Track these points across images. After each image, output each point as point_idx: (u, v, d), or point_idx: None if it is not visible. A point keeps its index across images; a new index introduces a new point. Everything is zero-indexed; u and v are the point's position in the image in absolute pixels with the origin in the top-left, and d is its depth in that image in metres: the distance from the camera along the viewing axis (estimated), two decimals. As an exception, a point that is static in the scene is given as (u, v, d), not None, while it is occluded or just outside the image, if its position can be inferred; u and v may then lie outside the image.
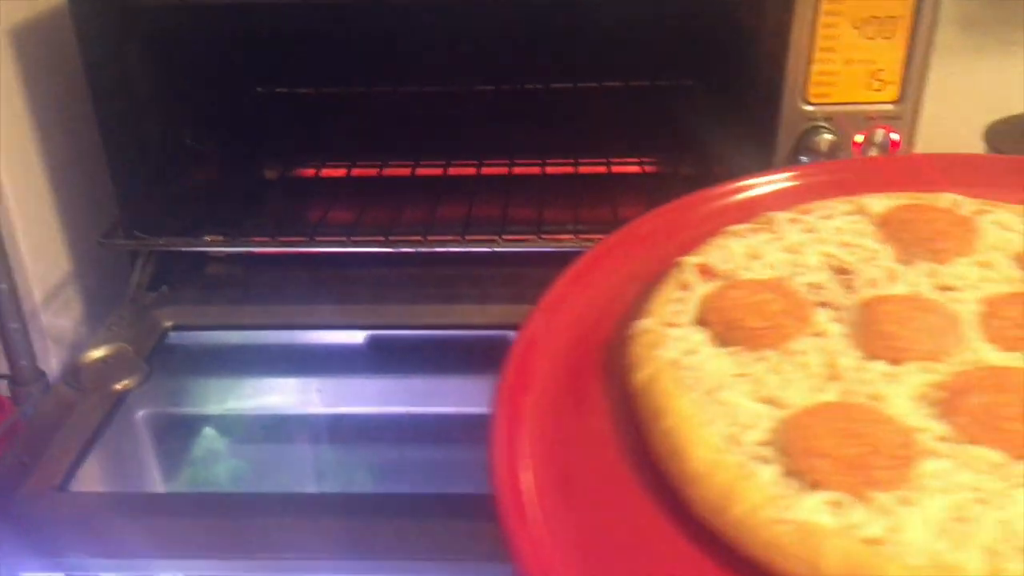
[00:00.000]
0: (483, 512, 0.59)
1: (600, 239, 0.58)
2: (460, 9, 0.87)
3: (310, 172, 1.10)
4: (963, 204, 0.53)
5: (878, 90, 0.78)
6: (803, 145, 0.79)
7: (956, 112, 1.08)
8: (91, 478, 0.69)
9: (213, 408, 0.89)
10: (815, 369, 0.43)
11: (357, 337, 0.87)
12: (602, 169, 1.04)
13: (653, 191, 0.96)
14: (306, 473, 0.99)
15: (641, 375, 0.45)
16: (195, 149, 0.99)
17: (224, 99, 1.05)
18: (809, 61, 0.77)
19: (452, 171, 1.07)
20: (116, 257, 0.91)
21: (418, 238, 0.82)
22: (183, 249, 0.85)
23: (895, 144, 0.79)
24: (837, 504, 0.36)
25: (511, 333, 0.85)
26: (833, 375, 0.43)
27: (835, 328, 0.45)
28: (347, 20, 1.06)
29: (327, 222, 0.94)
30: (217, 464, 0.99)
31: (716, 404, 0.42)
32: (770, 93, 0.79)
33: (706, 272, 0.50)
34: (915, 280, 0.48)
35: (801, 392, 0.42)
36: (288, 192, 1.04)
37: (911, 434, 0.39)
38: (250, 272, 0.92)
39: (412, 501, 0.62)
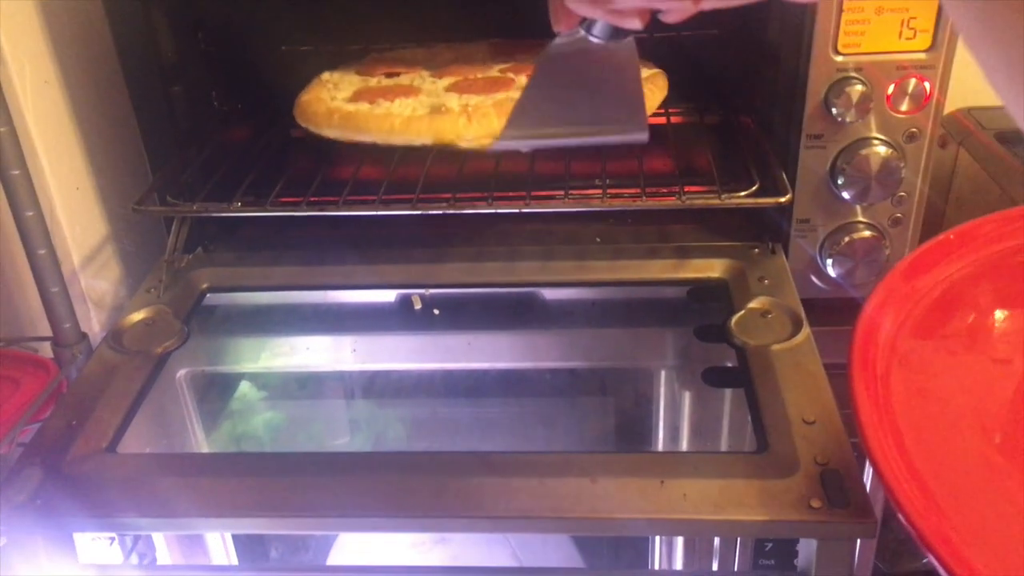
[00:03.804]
0: (516, 469, 0.61)
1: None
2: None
3: (337, 129, 1.10)
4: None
5: (910, 39, 0.76)
6: (833, 96, 0.78)
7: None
8: (137, 437, 0.71)
9: (250, 366, 0.92)
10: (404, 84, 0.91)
11: (388, 296, 0.88)
12: (628, 121, 1.04)
13: (679, 141, 0.95)
14: (340, 426, 1.02)
15: (305, 96, 0.90)
16: (223, 111, 1.00)
17: (249, 59, 1.05)
18: (839, 10, 0.76)
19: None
20: (151, 219, 0.93)
21: (448, 195, 0.82)
22: (216, 215, 0.86)
23: (927, 94, 0.78)
24: (363, 105, 0.85)
25: (540, 291, 0.87)
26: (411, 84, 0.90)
27: (429, 81, 0.91)
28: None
29: (357, 178, 0.94)
30: (254, 416, 1.01)
31: (334, 89, 0.90)
32: (799, 44, 0.78)
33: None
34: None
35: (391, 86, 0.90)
36: (317, 150, 1.05)
37: (420, 89, 0.88)
38: (282, 233, 0.93)
39: (448, 459, 0.64)
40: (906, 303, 0.62)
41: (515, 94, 0.83)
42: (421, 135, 0.79)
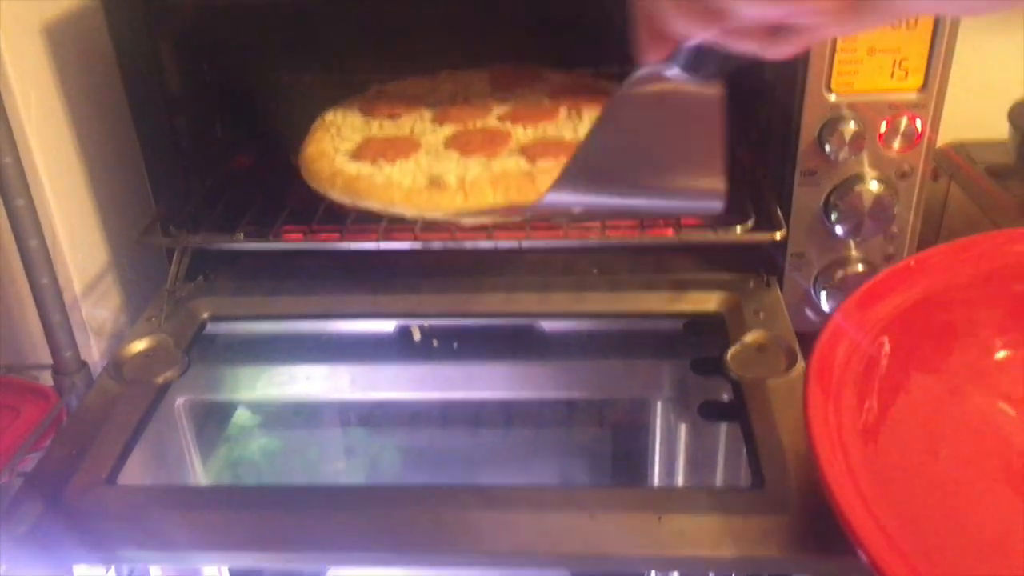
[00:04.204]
0: (515, 503, 0.62)
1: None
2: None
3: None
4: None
5: (902, 79, 0.78)
6: (826, 134, 0.80)
7: (978, 92, 1.07)
8: (137, 468, 0.72)
9: (250, 395, 0.92)
10: (404, 131, 0.92)
11: (388, 326, 0.89)
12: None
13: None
14: (338, 456, 1.02)
15: (309, 148, 0.89)
16: (226, 140, 1.01)
17: (253, 89, 1.06)
18: (832, 51, 0.77)
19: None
20: (153, 248, 0.94)
21: (447, 233, 0.84)
22: (218, 246, 0.87)
23: (919, 133, 0.79)
24: (364, 166, 0.84)
25: (538, 322, 0.88)
26: (412, 131, 0.91)
27: (429, 129, 0.91)
28: (366, 7, 1.07)
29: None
30: (250, 442, 1.02)
31: (338, 137, 0.90)
32: (792, 83, 0.79)
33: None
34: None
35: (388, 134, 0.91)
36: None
37: (419, 142, 0.88)
38: (284, 262, 0.93)
39: (446, 492, 0.64)
40: (861, 330, 0.64)
41: (510, 160, 0.84)
42: (421, 209, 0.80)
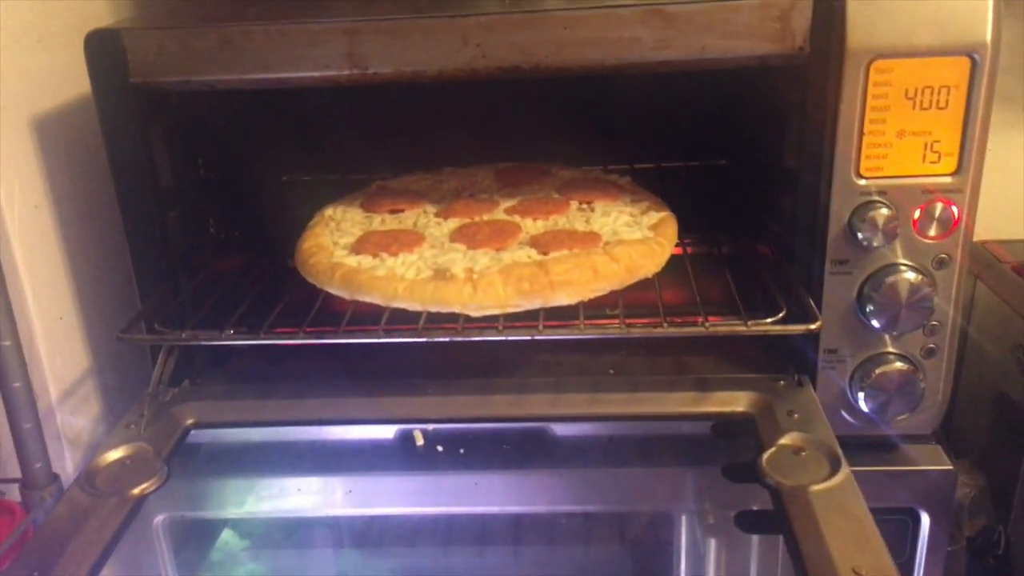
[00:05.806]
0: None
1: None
2: (493, 92, 0.85)
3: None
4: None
5: (934, 162, 0.74)
6: (857, 220, 0.75)
7: (996, 188, 1.05)
8: (105, 592, 0.64)
9: (235, 511, 0.84)
10: (407, 225, 0.89)
11: (388, 432, 0.82)
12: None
13: (696, 270, 0.91)
14: (330, 579, 0.93)
15: (307, 242, 0.86)
16: (219, 238, 0.96)
17: (249, 187, 1.03)
18: (860, 134, 0.73)
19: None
20: (137, 350, 0.88)
21: (454, 326, 0.77)
22: (206, 343, 0.80)
23: (955, 218, 0.75)
24: (365, 259, 0.81)
25: (550, 426, 0.81)
26: (415, 225, 0.89)
27: (433, 223, 0.89)
28: (370, 106, 1.05)
29: (357, 307, 0.89)
30: (235, 568, 0.93)
31: (337, 231, 0.88)
32: (818, 169, 0.76)
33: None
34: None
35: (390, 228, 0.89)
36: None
37: (423, 235, 0.85)
38: (276, 364, 0.87)
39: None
40: None
41: (520, 252, 0.80)
42: (425, 303, 0.75)
